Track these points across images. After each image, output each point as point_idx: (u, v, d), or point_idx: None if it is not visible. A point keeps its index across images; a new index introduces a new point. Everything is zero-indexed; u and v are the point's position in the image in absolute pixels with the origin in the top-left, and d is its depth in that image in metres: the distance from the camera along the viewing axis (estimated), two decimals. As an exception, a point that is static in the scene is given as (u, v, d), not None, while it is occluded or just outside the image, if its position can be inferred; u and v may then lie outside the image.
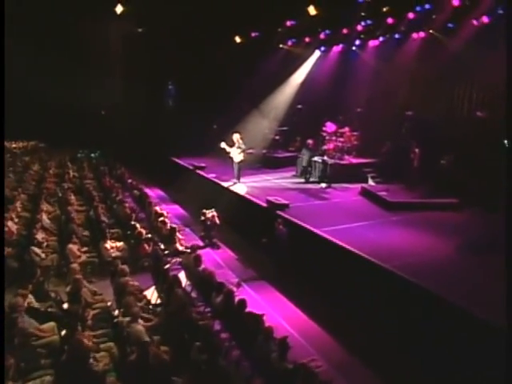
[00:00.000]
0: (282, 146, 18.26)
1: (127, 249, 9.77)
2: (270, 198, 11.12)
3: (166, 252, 10.07)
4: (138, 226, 10.26)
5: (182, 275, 8.94)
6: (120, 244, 9.80)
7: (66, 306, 6.53)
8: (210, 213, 11.71)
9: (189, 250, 10.16)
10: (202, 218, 11.82)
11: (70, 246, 8.71)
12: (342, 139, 15.07)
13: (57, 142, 24.78)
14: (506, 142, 9.54)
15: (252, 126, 19.58)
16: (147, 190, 17.74)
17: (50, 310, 6.43)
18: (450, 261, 7.90)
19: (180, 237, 11.36)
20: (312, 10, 14.53)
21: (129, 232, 10.43)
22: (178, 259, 9.83)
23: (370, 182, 14.33)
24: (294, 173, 15.92)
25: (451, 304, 6.36)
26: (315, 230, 9.21)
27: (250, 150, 18.18)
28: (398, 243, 8.72)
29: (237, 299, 6.75)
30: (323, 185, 13.81)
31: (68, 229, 9.94)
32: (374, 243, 8.62)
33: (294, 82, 20.10)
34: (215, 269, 10.20)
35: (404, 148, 12.87)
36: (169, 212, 12.99)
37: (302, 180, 14.74)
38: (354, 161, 14.97)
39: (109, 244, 9.49)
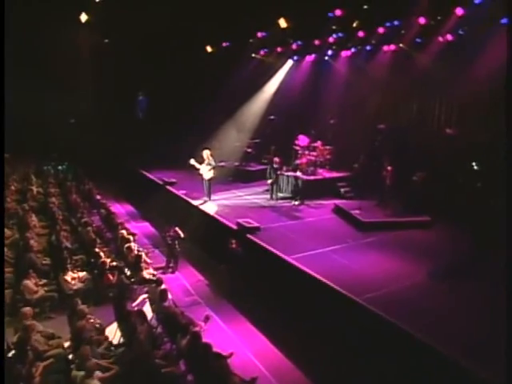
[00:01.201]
0: (255, 159, 17.96)
1: (90, 279, 9.27)
2: (241, 221, 10.79)
3: (133, 279, 9.66)
4: (101, 253, 9.75)
5: (147, 308, 8.58)
6: (82, 274, 9.29)
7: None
8: (172, 230, 11.31)
9: (155, 278, 9.90)
10: (163, 235, 11.46)
11: (26, 281, 8.15)
12: (314, 153, 14.89)
13: (22, 153, 23.77)
14: (474, 164, 9.62)
15: (224, 138, 19.28)
16: (117, 206, 17.25)
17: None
18: (420, 290, 7.77)
19: (148, 261, 10.98)
20: (283, 23, 14.32)
21: (92, 260, 9.90)
22: (145, 288, 9.48)
23: (344, 197, 14.21)
24: (266, 187, 15.63)
25: (419, 340, 6.23)
26: (286, 258, 8.93)
27: (222, 163, 17.85)
28: (371, 271, 8.52)
29: (202, 342, 6.39)
30: (296, 202, 13.57)
31: (25, 259, 9.35)
32: (346, 271, 8.41)
33: (266, 92, 19.88)
34: (184, 296, 9.99)
35: (377, 163, 12.76)
36: (136, 234, 12.50)
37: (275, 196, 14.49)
38: (328, 175, 14.82)
39: (70, 275, 8.96)
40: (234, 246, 9.95)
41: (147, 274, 9.93)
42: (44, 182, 18.85)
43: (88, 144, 23.42)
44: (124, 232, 11.26)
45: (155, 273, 10.11)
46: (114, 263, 9.89)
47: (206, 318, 7.65)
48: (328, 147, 15.07)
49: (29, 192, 15.94)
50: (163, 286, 8.75)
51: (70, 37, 19.32)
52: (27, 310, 6.72)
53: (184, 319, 7.54)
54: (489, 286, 7.38)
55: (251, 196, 14.42)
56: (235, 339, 7.98)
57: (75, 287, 8.74)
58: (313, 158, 14.79)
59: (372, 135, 15.15)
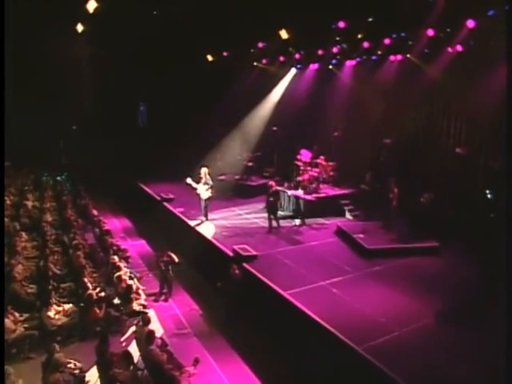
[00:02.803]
0: (256, 172, 17.40)
1: (77, 311, 8.75)
2: (237, 248, 10.22)
3: (122, 311, 9.16)
4: (89, 284, 9.21)
5: (134, 347, 8.06)
6: (68, 307, 8.76)
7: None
8: (165, 255, 10.76)
9: (146, 310, 9.39)
10: (156, 259, 10.93)
11: (5, 320, 7.65)
12: (317, 169, 14.28)
13: (21, 163, 23.47)
14: (487, 192, 8.97)
15: (226, 149, 18.76)
16: (114, 221, 16.78)
17: None
18: (426, 337, 7.10)
19: (140, 289, 10.46)
20: (284, 34, 13.72)
21: (80, 290, 9.39)
22: (135, 320, 8.98)
23: (348, 216, 13.62)
24: (267, 204, 15.08)
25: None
26: (283, 294, 8.33)
27: (222, 177, 17.38)
28: (374, 310, 7.88)
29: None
30: (297, 221, 12.99)
31: (8, 291, 8.85)
32: (347, 310, 7.80)
33: (269, 102, 19.33)
34: (175, 327, 9.45)
35: (382, 184, 12.11)
36: (130, 257, 12.03)
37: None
38: (331, 192, 14.21)
39: (54, 309, 8.44)
40: (236, 271, 9.36)
41: (137, 304, 9.42)
42: (41, 194, 18.45)
43: (88, 155, 23.08)
44: (116, 258, 10.72)
45: (146, 303, 9.60)
46: (103, 293, 9.38)
47: (196, 361, 7.09)
48: (331, 163, 14.45)
49: (23, 207, 15.53)
50: (151, 325, 8.25)
51: (68, 47, 18.88)
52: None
53: (172, 363, 7.05)
54: (497, 335, 6.71)
55: (251, 215, 13.84)
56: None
57: (59, 322, 8.22)
58: (315, 175, 14.19)
59: (377, 150, 14.52)
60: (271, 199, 12.41)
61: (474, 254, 9.68)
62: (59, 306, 8.73)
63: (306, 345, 7.57)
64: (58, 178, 22.12)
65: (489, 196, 9.60)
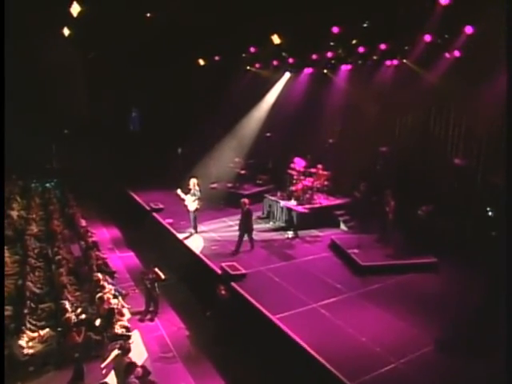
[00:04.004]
0: (249, 180, 16.92)
1: (54, 336, 8.25)
2: (225, 266, 9.74)
3: (104, 334, 8.66)
4: (67, 306, 8.71)
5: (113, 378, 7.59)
6: (44, 332, 8.26)
7: None
8: (151, 272, 10.27)
9: (129, 333, 8.92)
10: (141, 277, 10.45)
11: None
12: (311, 179, 13.80)
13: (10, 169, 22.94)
14: (488, 209, 8.54)
15: (219, 156, 18.29)
16: (103, 231, 16.29)
17: None
18: (425, 368, 6.63)
19: (125, 306, 10.02)
20: (276, 39, 13.26)
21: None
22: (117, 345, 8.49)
23: (342, 227, 13.18)
24: (259, 213, 14.62)
25: None
26: (272, 318, 7.86)
27: (214, 185, 16.93)
28: (369, 336, 7.41)
29: None
30: (289, 234, 12.52)
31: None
32: (340, 338, 7.33)
33: (263, 107, 18.85)
34: (160, 351, 8.96)
35: (378, 196, 11.64)
36: (116, 272, 11.57)
37: (267, 226, 13.47)
38: (325, 202, 13.75)
39: (28, 336, 7.94)
40: (222, 292, 8.89)
41: (120, 327, 8.93)
42: (28, 202, 17.92)
43: (79, 159, 22.60)
44: (99, 276, 10.22)
45: (129, 326, 9.10)
46: (84, 315, 8.90)
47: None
48: (325, 172, 13.97)
49: (7, 218, 15.00)
50: (135, 349, 7.80)
51: (56, 51, 18.39)
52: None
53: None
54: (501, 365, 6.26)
55: (242, 226, 13.32)
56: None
57: (32, 350, 7.72)
58: (309, 184, 13.71)
59: (373, 158, 14.08)
60: (244, 218, 11.42)
61: (474, 271, 9.22)
62: (34, 331, 8.22)
63: (294, 374, 7.10)
64: (47, 185, 21.60)
65: (490, 213, 9.16)
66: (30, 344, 7.86)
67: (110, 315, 8.83)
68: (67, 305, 8.80)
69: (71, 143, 23.24)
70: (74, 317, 8.51)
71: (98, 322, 8.87)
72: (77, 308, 9.18)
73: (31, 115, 21.05)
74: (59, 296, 9.55)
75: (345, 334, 7.46)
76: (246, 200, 11.67)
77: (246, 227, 11.39)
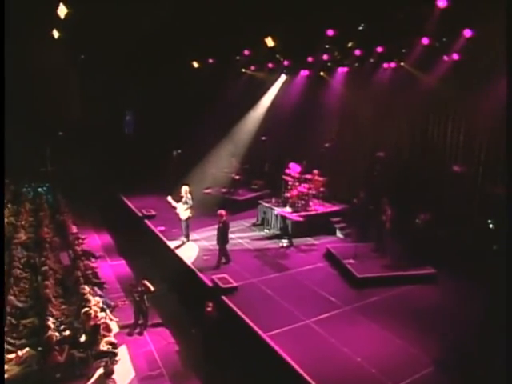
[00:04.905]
0: (243, 185, 16.57)
1: (35, 356, 7.88)
2: (216, 278, 9.39)
3: (89, 351, 8.30)
4: (50, 323, 8.34)
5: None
6: (24, 352, 7.87)
7: None
8: (140, 284, 9.91)
9: (116, 350, 8.56)
10: (130, 289, 10.10)
11: None
12: (306, 185, 13.45)
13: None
14: (489, 222, 8.21)
15: (215, 161, 17.96)
16: (95, 238, 15.92)
17: None
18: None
19: (113, 319, 9.67)
20: (270, 42, 12.93)
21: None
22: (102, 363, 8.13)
23: (339, 235, 12.84)
24: (254, 220, 14.29)
25: None
26: (263, 336, 7.51)
27: (208, 190, 16.58)
28: (365, 356, 7.04)
29: None
30: (284, 242, 12.17)
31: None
32: (334, 358, 6.97)
33: (258, 110, 18.51)
34: (148, 368, 8.58)
35: (375, 203, 11.30)
36: (105, 283, 11.22)
37: (262, 233, 13.12)
38: (321, 209, 13.41)
39: (5, 357, 7.55)
40: (209, 309, 8.54)
41: (106, 343, 8.56)
42: (18, 208, 17.53)
43: (74, 162, 22.28)
44: (86, 289, 9.85)
45: (115, 342, 8.72)
46: (68, 332, 8.53)
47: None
48: (321, 178, 13.62)
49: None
50: (122, 366, 7.44)
51: (47, 53, 18.03)
52: None
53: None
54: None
55: (235, 234, 12.96)
56: None
57: (7, 375, 7.32)
58: (304, 190, 13.36)
59: (370, 163, 13.74)
60: (221, 231, 10.88)
61: (474, 285, 8.89)
62: (11, 352, 7.82)
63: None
64: (39, 190, 21.23)
65: (491, 226, 8.83)
66: (6, 367, 7.46)
67: (95, 331, 8.47)
68: (50, 321, 8.43)
69: (66, 146, 22.95)
70: (57, 334, 8.15)
71: (83, 339, 8.55)
72: (61, 323, 8.82)
73: (25, 118, 20.70)
74: (43, 311, 9.20)
75: (339, 353, 7.11)
76: (222, 212, 11.09)
77: (223, 240, 10.88)
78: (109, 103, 21.62)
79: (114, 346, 8.61)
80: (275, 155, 16.84)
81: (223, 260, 10.89)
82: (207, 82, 18.65)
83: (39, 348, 7.94)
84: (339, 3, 9.57)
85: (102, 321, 9.01)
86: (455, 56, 11.06)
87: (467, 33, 9.83)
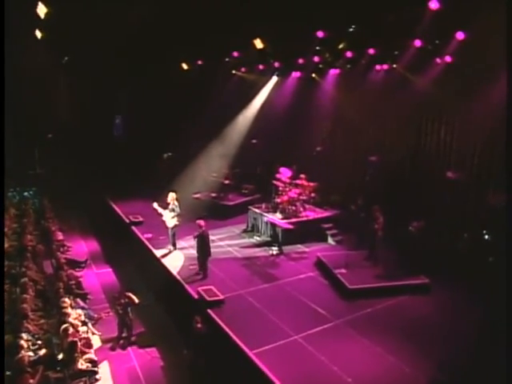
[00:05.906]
0: (233, 190, 16.22)
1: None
2: (202, 291, 9.02)
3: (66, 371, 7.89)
4: (23, 341, 7.88)
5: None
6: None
7: None
8: (123, 297, 9.53)
9: (96, 369, 8.16)
10: (113, 302, 9.71)
11: None
12: (297, 190, 13.11)
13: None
14: (484, 232, 7.93)
15: (204, 164, 17.60)
16: (81, 244, 15.48)
17: None
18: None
19: (96, 333, 9.27)
20: (258, 44, 12.55)
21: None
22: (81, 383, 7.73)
23: (330, 241, 12.52)
24: (244, 226, 13.94)
25: None
26: (249, 353, 7.16)
27: (197, 195, 16.21)
28: (356, 375, 6.71)
29: None
30: (274, 250, 11.82)
31: None
32: (322, 378, 6.63)
33: (249, 112, 18.16)
34: (131, 384, 8.25)
35: (367, 210, 10.98)
36: (89, 294, 10.83)
37: (251, 240, 12.77)
38: (311, 215, 13.07)
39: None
40: (198, 325, 8.14)
41: (85, 361, 8.15)
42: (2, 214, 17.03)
43: (62, 165, 21.81)
44: (67, 302, 9.43)
45: (95, 359, 8.33)
46: (43, 351, 8.09)
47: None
48: (312, 184, 13.28)
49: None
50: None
51: (31, 54, 17.55)
52: None
53: None
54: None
55: (224, 241, 12.63)
56: None
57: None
58: (295, 196, 13.02)
59: (362, 168, 13.44)
60: (199, 242, 10.45)
61: (469, 297, 8.60)
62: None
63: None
64: (26, 194, 20.75)
65: (486, 237, 8.53)
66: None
67: (73, 349, 8.03)
68: (23, 340, 7.96)
69: (54, 148, 22.49)
70: (31, 353, 7.72)
71: (60, 356, 8.13)
72: (37, 340, 8.39)
73: (12, 119, 20.20)
74: (18, 329, 8.74)
75: (328, 372, 6.77)
76: (201, 222, 10.61)
77: (203, 251, 10.41)
78: (98, 105, 21.21)
79: (94, 363, 8.21)
80: (266, 159, 16.50)
81: (200, 274, 10.37)
82: (197, 83, 18.29)
83: (7, 373, 7.46)
84: (329, 4, 9.22)
85: (83, 335, 8.66)
86: (448, 58, 10.80)
87: (460, 35, 9.53)
